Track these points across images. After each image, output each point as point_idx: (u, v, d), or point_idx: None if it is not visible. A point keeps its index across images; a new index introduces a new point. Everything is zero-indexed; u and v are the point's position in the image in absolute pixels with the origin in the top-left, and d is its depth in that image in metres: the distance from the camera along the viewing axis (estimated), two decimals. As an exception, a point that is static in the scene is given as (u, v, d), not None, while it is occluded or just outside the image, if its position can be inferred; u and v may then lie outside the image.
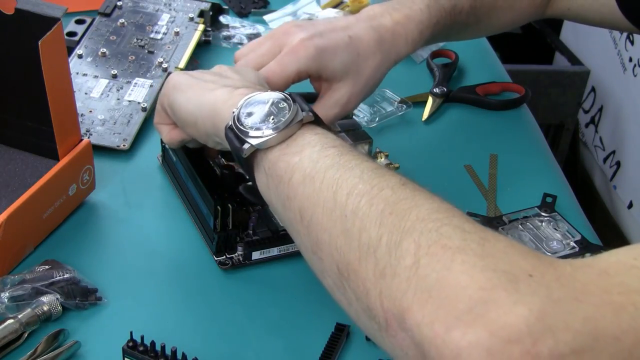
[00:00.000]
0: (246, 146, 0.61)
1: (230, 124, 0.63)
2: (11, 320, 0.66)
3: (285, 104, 0.62)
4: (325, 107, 0.80)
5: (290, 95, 0.64)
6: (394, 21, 0.81)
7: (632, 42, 1.77)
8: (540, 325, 0.45)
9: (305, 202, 0.58)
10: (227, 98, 0.66)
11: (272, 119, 0.62)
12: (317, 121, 0.63)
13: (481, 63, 1.09)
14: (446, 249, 0.49)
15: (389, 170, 0.58)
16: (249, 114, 0.63)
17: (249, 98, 0.64)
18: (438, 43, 1.07)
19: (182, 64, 0.96)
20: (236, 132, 0.62)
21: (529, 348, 0.45)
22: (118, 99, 0.92)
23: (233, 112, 0.63)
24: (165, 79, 0.94)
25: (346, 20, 0.81)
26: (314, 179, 0.57)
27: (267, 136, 0.61)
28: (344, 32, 0.79)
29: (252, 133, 0.61)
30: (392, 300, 0.50)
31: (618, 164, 1.83)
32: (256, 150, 0.62)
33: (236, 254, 0.75)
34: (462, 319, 0.46)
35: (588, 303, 0.46)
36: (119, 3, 1.03)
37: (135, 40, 0.99)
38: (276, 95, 0.64)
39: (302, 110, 0.62)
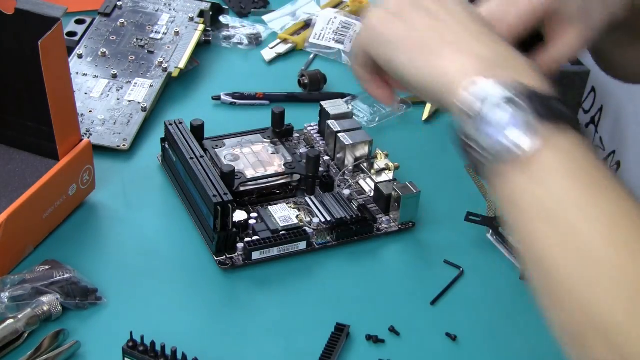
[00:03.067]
0: (496, 147, 0.50)
1: (477, 113, 0.51)
2: (11, 320, 0.66)
3: (526, 99, 0.50)
4: (558, 50, 0.75)
5: (529, 88, 0.51)
6: None
7: (632, 42, 1.77)
8: None
9: (545, 246, 0.48)
10: (460, 73, 0.55)
11: (521, 118, 0.50)
12: (567, 119, 0.51)
13: (481, 63, 1.09)
14: None
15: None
16: (491, 105, 0.51)
17: (487, 84, 0.52)
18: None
19: (182, 64, 0.96)
20: (479, 126, 0.51)
21: None
22: (118, 99, 0.92)
23: (473, 98, 0.52)
24: (164, 79, 0.94)
25: None
26: (558, 221, 0.48)
27: (515, 143, 0.49)
28: None
29: (493, 132, 0.50)
30: None
31: (618, 164, 1.83)
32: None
33: (236, 254, 0.75)
34: None
35: None
36: (119, 3, 1.03)
37: (135, 40, 0.99)
38: (517, 85, 0.51)
39: (552, 110, 0.50)
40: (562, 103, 0.51)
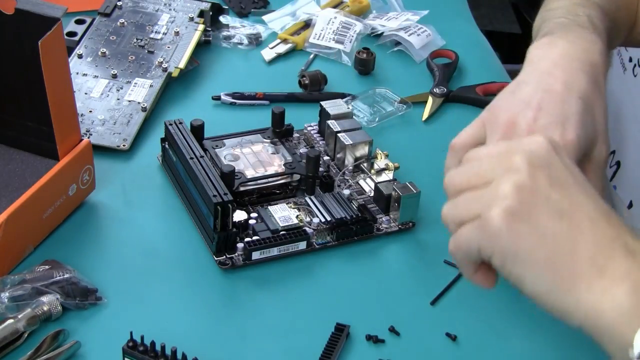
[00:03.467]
0: None
1: None
2: (11, 320, 0.66)
3: None
4: (595, 180, 0.67)
5: None
6: (586, 50, 0.70)
7: (632, 42, 1.77)
8: None
9: None
10: (619, 315, 0.51)
11: None
12: None
13: (481, 63, 1.09)
14: None
15: None
16: None
17: None
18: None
19: (182, 64, 0.96)
20: None
21: None
22: (118, 99, 0.92)
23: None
24: (164, 79, 0.94)
25: (563, 82, 0.67)
26: None
27: None
28: (576, 101, 0.66)
29: None
30: None
31: (618, 164, 1.83)
32: None
33: (236, 254, 0.75)
34: None
35: None
36: (119, 3, 1.03)
37: (135, 40, 0.99)
38: None
39: None
40: None
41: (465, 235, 0.56)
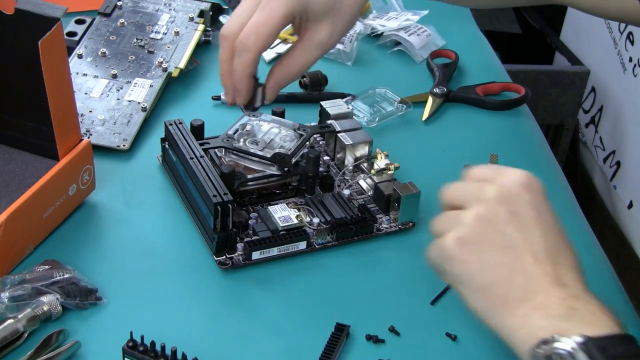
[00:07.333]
0: None
1: None
2: (11, 320, 0.66)
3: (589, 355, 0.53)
4: (308, 50, 0.80)
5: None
6: None
7: (632, 42, 1.77)
8: None
9: None
10: (528, 335, 0.57)
11: None
12: None
13: (481, 63, 1.09)
14: None
15: None
16: None
17: (556, 345, 0.55)
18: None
19: (182, 64, 0.96)
20: None
21: None
22: (118, 99, 0.92)
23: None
24: (164, 79, 0.94)
25: None
26: None
27: None
28: None
29: None
30: None
31: (618, 164, 1.83)
32: None
33: (236, 254, 0.75)
34: None
35: None
36: (119, 3, 1.04)
37: (135, 40, 0.99)
38: (582, 343, 0.54)
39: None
40: (631, 341, 0.54)
41: (432, 248, 0.63)
